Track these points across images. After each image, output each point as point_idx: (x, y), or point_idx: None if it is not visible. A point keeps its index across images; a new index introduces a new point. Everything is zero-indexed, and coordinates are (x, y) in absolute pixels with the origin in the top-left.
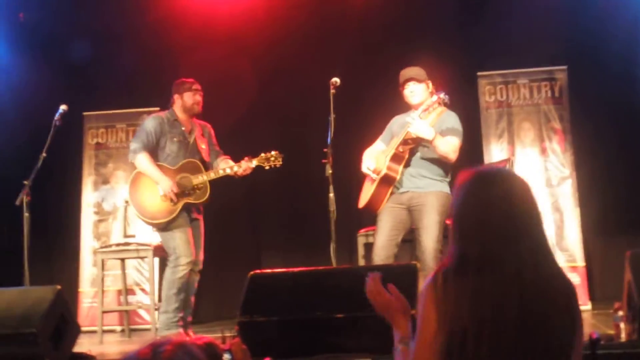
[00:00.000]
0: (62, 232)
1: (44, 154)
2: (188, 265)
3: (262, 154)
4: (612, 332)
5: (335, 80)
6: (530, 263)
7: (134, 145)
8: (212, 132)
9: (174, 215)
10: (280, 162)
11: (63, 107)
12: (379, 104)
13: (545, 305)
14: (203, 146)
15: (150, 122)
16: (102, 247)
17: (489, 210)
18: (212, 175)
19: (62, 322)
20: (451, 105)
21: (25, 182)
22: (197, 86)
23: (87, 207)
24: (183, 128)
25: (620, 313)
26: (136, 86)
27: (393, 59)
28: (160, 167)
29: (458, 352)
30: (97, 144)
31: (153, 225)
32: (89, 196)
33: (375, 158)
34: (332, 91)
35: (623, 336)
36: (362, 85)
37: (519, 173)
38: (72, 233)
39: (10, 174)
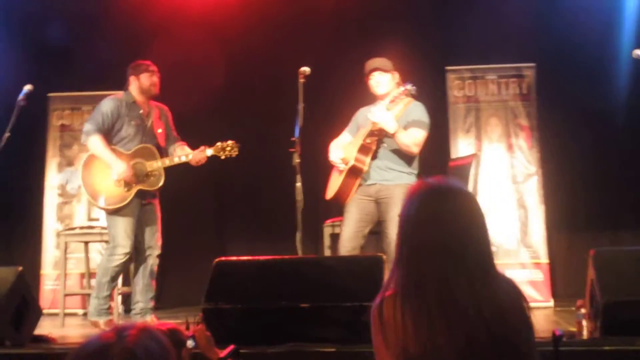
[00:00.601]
0: (25, 213)
1: (7, 134)
2: (124, 255)
3: (219, 144)
4: (574, 329)
5: (305, 69)
6: (479, 277)
7: (87, 126)
8: (170, 115)
9: (126, 202)
10: (237, 152)
11: (28, 87)
12: (348, 94)
13: (503, 316)
14: (159, 130)
15: (107, 104)
16: (65, 230)
17: (441, 227)
18: (167, 162)
19: (23, 304)
20: (419, 98)
21: None
22: (153, 67)
23: (50, 189)
24: (141, 111)
25: (583, 311)
26: (104, 69)
27: (363, 50)
28: (113, 151)
29: None
30: (62, 125)
31: (104, 210)
32: (53, 178)
33: (343, 149)
34: (302, 80)
35: (585, 334)
36: (332, 75)
37: (486, 169)
38: (34, 214)
39: None
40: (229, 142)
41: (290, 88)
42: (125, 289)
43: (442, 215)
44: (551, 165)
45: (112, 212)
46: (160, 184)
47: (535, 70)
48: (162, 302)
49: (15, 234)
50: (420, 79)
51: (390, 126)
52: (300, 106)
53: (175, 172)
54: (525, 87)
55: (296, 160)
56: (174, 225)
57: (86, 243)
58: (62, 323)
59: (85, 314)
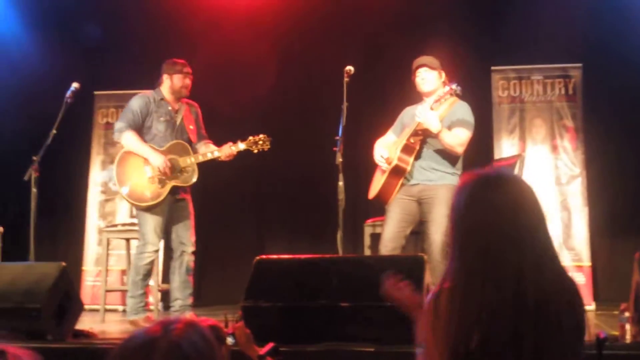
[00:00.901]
0: (69, 209)
1: (54, 131)
2: (154, 253)
3: (251, 138)
4: (616, 332)
5: (350, 68)
6: (535, 270)
7: (119, 124)
8: (200, 112)
9: (162, 198)
10: (269, 146)
11: (75, 85)
12: (391, 94)
13: (554, 313)
14: (191, 127)
15: (136, 101)
16: (107, 227)
17: (499, 217)
18: (200, 158)
19: (65, 299)
20: (464, 97)
21: (34, 158)
22: (188, 69)
23: (94, 186)
24: (170, 108)
25: (627, 314)
26: (149, 67)
27: (408, 50)
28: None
29: None
30: (107, 123)
31: (136, 206)
32: (96, 175)
33: (387, 149)
34: (346, 79)
35: (628, 338)
36: (376, 75)
37: (529, 170)
38: (78, 211)
39: (20, 149)
40: (261, 135)
41: (335, 87)
42: (165, 285)
43: (493, 200)
44: (596, 167)
45: (144, 209)
46: (194, 179)
47: (582, 70)
48: (201, 299)
49: (59, 230)
50: (465, 79)
51: (433, 126)
52: (344, 105)
53: (216, 170)
54: (571, 87)
55: (339, 159)
56: (214, 223)
57: (127, 240)
58: (102, 319)
59: (124, 311)
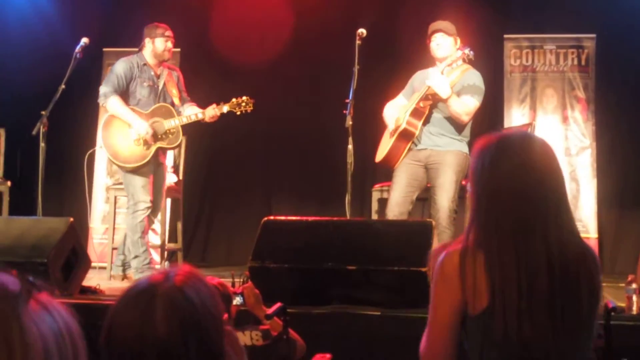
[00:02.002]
0: (76, 166)
1: (62, 86)
2: (146, 209)
3: (234, 100)
4: (622, 304)
5: (362, 31)
6: (556, 231)
7: (104, 89)
8: (182, 77)
9: (147, 160)
10: (252, 107)
11: (84, 40)
12: (403, 58)
13: (573, 275)
14: (174, 90)
15: (121, 65)
16: (114, 184)
17: (523, 177)
18: (184, 120)
19: (73, 254)
20: (475, 64)
21: (43, 113)
22: (169, 33)
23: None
24: (152, 73)
25: (634, 285)
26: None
27: (421, 15)
28: (132, 110)
29: (489, 324)
30: None
31: (124, 168)
32: None
33: (397, 110)
34: (358, 42)
35: (634, 309)
36: (388, 38)
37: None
38: (85, 167)
39: (29, 104)
40: (244, 97)
41: (347, 50)
42: (171, 245)
43: (522, 163)
44: (606, 139)
45: (130, 171)
46: (179, 141)
47: (595, 41)
48: (208, 260)
49: (65, 186)
50: (478, 46)
51: (443, 91)
52: (356, 68)
53: (224, 132)
54: (584, 58)
55: (349, 122)
56: (222, 185)
57: None
58: (109, 276)
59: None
